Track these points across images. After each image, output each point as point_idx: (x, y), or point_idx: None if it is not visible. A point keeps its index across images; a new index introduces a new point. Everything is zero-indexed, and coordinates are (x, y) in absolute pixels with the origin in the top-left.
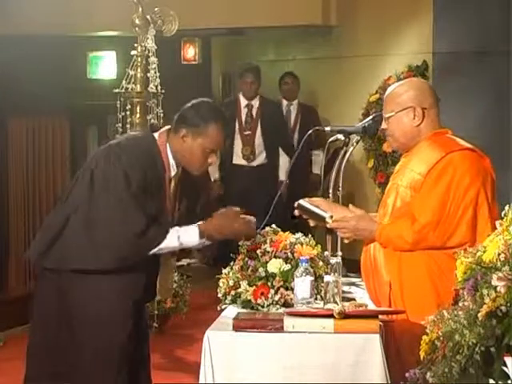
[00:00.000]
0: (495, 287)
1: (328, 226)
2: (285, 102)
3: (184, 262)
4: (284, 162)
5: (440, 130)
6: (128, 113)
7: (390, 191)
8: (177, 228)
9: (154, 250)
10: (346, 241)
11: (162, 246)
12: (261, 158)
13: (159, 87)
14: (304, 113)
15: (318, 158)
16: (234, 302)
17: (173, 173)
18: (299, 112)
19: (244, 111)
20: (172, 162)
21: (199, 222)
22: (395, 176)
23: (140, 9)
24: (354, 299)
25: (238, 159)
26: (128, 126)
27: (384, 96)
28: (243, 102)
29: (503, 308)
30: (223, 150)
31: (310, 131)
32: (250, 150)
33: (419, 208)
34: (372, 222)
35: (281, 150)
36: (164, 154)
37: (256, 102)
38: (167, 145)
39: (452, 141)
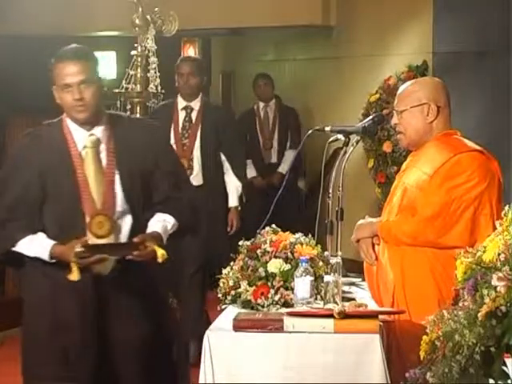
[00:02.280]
0: (495, 287)
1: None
2: (261, 104)
3: None
4: (232, 183)
5: (450, 131)
6: (128, 113)
7: (396, 189)
8: (39, 234)
9: (15, 249)
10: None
11: (17, 247)
12: (198, 176)
13: (159, 87)
14: (282, 114)
15: (289, 158)
16: (233, 301)
17: (81, 142)
18: (277, 113)
19: (181, 115)
20: (76, 127)
21: (55, 243)
22: (402, 174)
23: (140, 9)
24: (354, 299)
25: None
26: None
27: (398, 92)
28: (181, 103)
29: (503, 308)
30: None
31: (310, 131)
32: (188, 164)
33: (422, 203)
34: (366, 224)
35: (227, 167)
36: (66, 128)
37: (196, 104)
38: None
39: (460, 142)
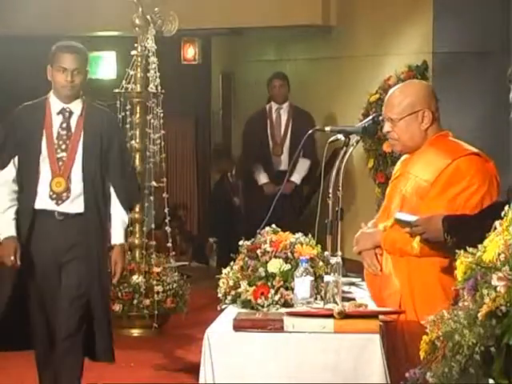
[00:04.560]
0: (495, 287)
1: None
2: (274, 106)
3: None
4: (117, 214)
5: (442, 133)
6: (128, 113)
7: (392, 196)
8: None
9: None
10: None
11: None
12: (78, 202)
13: (159, 87)
14: (296, 117)
15: (303, 167)
16: (234, 301)
17: None
18: (290, 116)
19: (56, 120)
20: None
21: None
22: (397, 181)
23: (140, 9)
24: (354, 299)
25: (43, 201)
26: (128, 125)
27: (388, 97)
28: (55, 105)
29: (503, 308)
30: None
31: (310, 131)
32: (65, 185)
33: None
34: (367, 236)
35: (113, 194)
36: None
37: (77, 107)
38: None
39: (456, 145)
